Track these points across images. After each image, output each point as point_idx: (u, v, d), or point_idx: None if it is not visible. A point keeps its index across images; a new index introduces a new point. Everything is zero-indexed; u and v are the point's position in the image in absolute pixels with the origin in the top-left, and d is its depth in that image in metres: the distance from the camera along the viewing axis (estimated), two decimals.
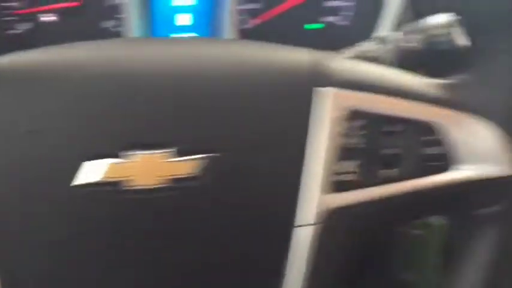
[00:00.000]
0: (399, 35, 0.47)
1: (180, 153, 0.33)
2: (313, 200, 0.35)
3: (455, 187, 0.36)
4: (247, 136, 0.35)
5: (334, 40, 0.65)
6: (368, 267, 0.67)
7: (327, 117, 0.35)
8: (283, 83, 0.36)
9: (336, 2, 0.67)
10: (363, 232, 0.37)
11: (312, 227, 0.36)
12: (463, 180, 0.36)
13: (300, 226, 0.35)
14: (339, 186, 0.36)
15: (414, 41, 0.46)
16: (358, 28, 0.67)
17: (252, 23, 0.67)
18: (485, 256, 0.37)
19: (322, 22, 0.68)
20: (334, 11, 0.67)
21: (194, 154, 0.34)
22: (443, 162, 0.36)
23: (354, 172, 0.36)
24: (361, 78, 0.37)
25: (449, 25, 0.41)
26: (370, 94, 0.36)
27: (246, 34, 0.66)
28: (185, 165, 0.33)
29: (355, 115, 0.36)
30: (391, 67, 0.47)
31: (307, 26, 0.69)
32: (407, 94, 0.37)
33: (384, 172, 0.36)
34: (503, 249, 0.38)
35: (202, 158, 0.34)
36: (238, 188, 0.35)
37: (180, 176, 0.33)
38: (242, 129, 0.35)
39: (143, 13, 0.64)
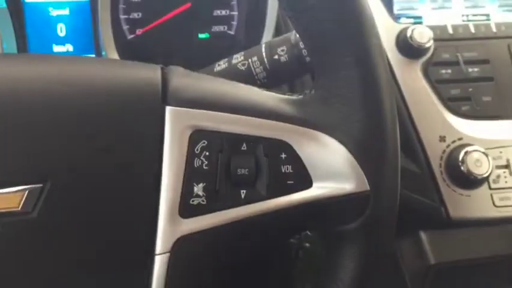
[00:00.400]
0: (268, 46, 0.46)
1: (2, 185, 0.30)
2: (164, 227, 0.33)
3: (311, 205, 0.35)
4: (89, 162, 0.32)
5: (221, 50, 0.64)
6: (261, 279, 0.66)
7: (171, 139, 0.33)
8: (129, 103, 0.34)
9: (223, 11, 0.65)
10: (223, 254, 0.36)
11: (166, 255, 0.34)
12: (318, 198, 0.35)
13: (157, 255, 0.33)
14: (190, 212, 0.34)
15: (282, 54, 0.45)
16: (244, 37, 0.66)
17: (134, 33, 0.64)
18: (347, 274, 0.37)
19: (210, 32, 0.66)
20: (221, 20, 0.66)
21: (20, 185, 0.31)
22: (296, 181, 0.35)
23: (206, 195, 0.34)
24: (206, 95, 0.35)
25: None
26: (215, 112, 0.34)
27: (128, 44, 0.63)
28: (6, 199, 0.30)
29: (201, 135, 0.34)
30: (260, 80, 0.46)
31: (200, 36, 0.67)
32: (256, 111, 0.35)
33: (238, 193, 0.35)
34: (364, 266, 0.37)
35: (31, 189, 0.31)
36: (83, 221, 0.32)
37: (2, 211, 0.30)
38: (84, 155, 0.32)
39: (16, 23, 0.60)
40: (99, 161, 0.33)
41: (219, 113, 0.34)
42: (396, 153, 0.37)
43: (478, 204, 0.56)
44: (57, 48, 0.64)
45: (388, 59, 0.57)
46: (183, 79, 0.35)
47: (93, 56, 0.64)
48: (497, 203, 0.56)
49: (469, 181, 0.54)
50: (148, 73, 0.35)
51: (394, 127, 0.37)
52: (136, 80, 0.34)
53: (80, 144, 0.32)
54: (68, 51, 0.64)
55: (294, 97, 0.37)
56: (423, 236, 0.61)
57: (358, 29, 0.36)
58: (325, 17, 0.35)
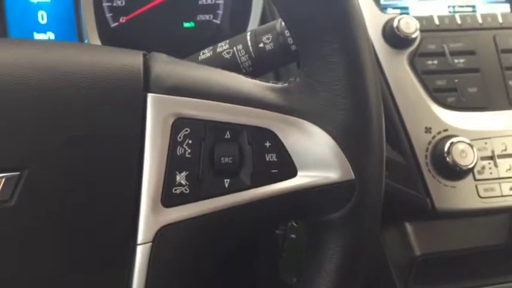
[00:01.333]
0: (253, 34, 0.46)
1: None
2: (146, 217, 0.33)
3: (295, 194, 0.35)
4: (68, 150, 0.32)
5: (207, 38, 0.64)
6: (247, 270, 0.66)
7: (153, 126, 0.33)
8: (109, 89, 0.33)
9: (208, 0, 0.65)
10: (207, 244, 0.35)
11: (148, 245, 0.33)
12: (303, 187, 0.35)
13: (139, 245, 0.33)
14: (172, 201, 0.33)
15: (267, 42, 0.44)
16: (229, 26, 0.65)
17: (117, 21, 0.63)
18: (332, 263, 0.36)
19: (195, 20, 0.65)
20: (206, 9, 0.65)
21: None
22: (281, 170, 0.35)
23: (189, 184, 0.33)
24: (189, 83, 0.34)
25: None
26: (198, 99, 0.34)
27: (112, 33, 0.62)
28: None
29: (184, 122, 0.33)
30: (245, 68, 0.46)
31: (185, 25, 0.66)
32: (240, 99, 0.35)
33: (222, 182, 0.34)
34: (349, 256, 0.37)
35: (8, 176, 0.30)
36: (62, 209, 0.32)
37: None
38: (63, 142, 0.31)
39: None
40: (79, 149, 0.32)
41: (203, 101, 0.34)
42: (381, 142, 0.37)
43: (463, 196, 0.56)
44: (38, 36, 0.63)
45: (374, 50, 0.57)
46: (165, 66, 0.35)
47: None
48: (482, 194, 0.56)
49: (454, 172, 0.55)
50: (130, 59, 0.34)
51: (379, 116, 0.36)
52: (118, 66, 0.34)
53: (58, 132, 0.31)
54: (49, 40, 0.63)
55: (279, 85, 0.37)
56: (408, 227, 0.61)
57: (344, 16, 0.35)
58: (311, 3, 0.35)
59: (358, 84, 0.35)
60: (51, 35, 0.63)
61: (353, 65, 0.35)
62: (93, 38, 0.60)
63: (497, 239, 0.61)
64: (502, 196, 0.56)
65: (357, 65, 0.35)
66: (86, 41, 0.60)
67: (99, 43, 0.60)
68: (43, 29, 0.63)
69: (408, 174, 0.56)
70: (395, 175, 0.56)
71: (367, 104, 0.35)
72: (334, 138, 0.35)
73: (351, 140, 0.35)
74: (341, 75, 0.35)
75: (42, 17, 0.62)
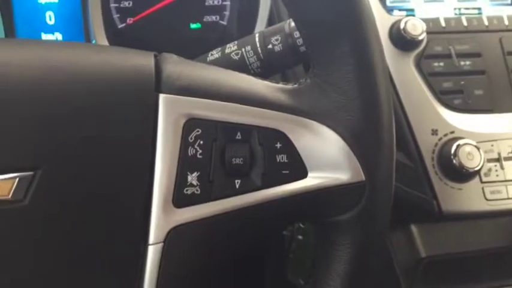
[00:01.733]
0: (262, 36, 0.46)
1: None
2: (157, 217, 0.33)
3: (305, 195, 0.35)
4: (81, 150, 0.32)
5: (214, 40, 0.64)
6: (255, 270, 0.66)
7: (164, 127, 0.33)
8: (121, 90, 0.33)
9: (215, 1, 0.65)
10: (217, 245, 0.35)
11: (159, 245, 0.33)
12: (313, 188, 0.35)
13: (150, 245, 0.33)
14: (184, 201, 0.33)
15: (276, 43, 0.45)
16: (236, 28, 0.65)
17: (124, 22, 0.63)
18: (341, 264, 0.36)
19: (202, 21, 0.65)
20: (213, 10, 0.65)
21: (10, 173, 0.30)
22: (291, 171, 0.35)
23: (200, 185, 0.34)
24: (200, 83, 0.34)
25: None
26: (210, 100, 0.34)
27: (119, 34, 0.62)
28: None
29: (195, 123, 0.34)
30: (253, 69, 0.46)
31: (192, 26, 0.66)
32: (251, 100, 0.35)
33: (233, 182, 0.34)
34: (359, 257, 0.37)
35: (22, 176, 0.30)
36: (75, 209, 0.32)
37: None
38: (76, 142, 0.32)
39: (4, 12, 0.59)
40: (91, 149, 0.32)
41: (214, 101, 0.34)
42: (392, 144, 0.37)
43: (470, 198, 0.56)
44: (45, 37, 0.63)
45: None
46: (177, 66, 0.35)
47: None
48: (489, 196, 0.56)
49: (461, 174, 0.55)
50: (142, 60, 0.34)
51: (389, 117, 0.36)
52: (130, 66, 0.34)
53: (71, 132, 0.32)
54: (57, 40, 0.63)
55: (289, 86, 0.37)
56: (414, 229, 0.61)
57: (355, 18, 0.35)
58: (322, 5, 0.35)
59: (368, 85, 0.35)
60: (58, 36, 0.63)
61: (364, 67, 0.35)
62: (101, 38, 0.60)
63: (503, 241, 0.61)
64: (509, 199, 0.56)
65: (368, 67, 0.35)
66: (93, 42, 0.60)
67: (107, 44, 0.61)
68: (51, 30, 0.63)
69: (415, 176, 0.56)
70: (401, 177, 0.56)
71: (377, 106, 0.35)
72: (344, 139, 0.35)
73: (362, 141, 0.35)
74: (352, 76, 0.35)
75: (50, 17, 0.62)
